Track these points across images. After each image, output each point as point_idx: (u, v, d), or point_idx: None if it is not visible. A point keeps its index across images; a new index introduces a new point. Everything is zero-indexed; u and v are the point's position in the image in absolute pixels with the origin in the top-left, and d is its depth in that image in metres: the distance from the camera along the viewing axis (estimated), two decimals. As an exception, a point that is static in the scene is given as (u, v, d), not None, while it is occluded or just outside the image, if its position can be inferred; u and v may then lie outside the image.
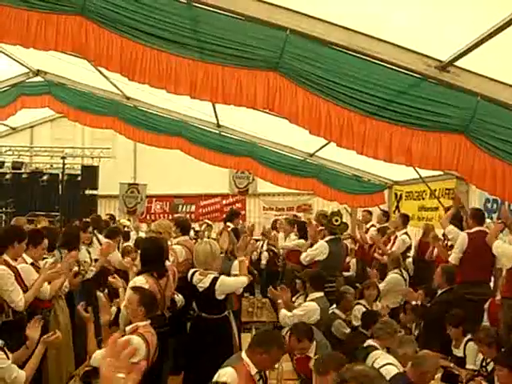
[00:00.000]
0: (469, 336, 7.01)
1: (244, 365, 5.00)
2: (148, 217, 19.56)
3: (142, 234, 14.13)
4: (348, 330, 7.88)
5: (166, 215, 19.58)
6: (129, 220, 16.78)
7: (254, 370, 5.00)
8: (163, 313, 6.55)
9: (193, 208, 20.38)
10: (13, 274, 5.88)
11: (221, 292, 6.70)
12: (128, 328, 5.47)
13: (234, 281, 6.97)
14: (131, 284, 6.22)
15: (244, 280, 7.02)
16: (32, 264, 6.49)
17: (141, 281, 6.21)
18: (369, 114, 6.11)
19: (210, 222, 16.14)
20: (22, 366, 5.20)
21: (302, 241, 11.08)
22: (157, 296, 6.20)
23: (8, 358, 5.05)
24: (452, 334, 7.08)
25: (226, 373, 4.87)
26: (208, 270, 6.78)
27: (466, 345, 7.02)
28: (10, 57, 13.42)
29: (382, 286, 9.13)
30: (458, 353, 7.03)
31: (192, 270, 6.99)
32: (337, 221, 9.27)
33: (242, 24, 6.15)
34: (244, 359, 5.05)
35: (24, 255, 6.42)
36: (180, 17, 6.28)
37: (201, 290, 6.76)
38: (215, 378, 4.88)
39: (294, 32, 5.93)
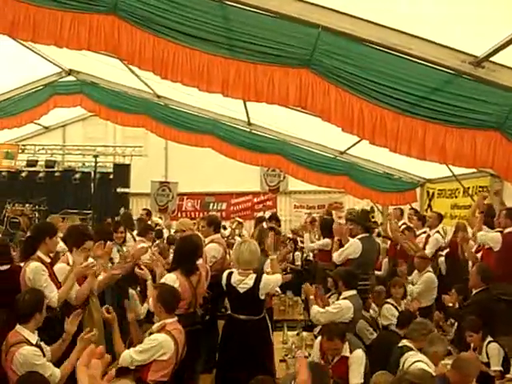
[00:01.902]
0: (489, 338, 6.91)
1: None
2: (179, 215, 19.62)
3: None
4: (371, 331, 7.83)
5: (197, 213, 19.64)
6: (160, 218, 16.84)
7: None
8: (195, 310, 6.56)
9: (224, 206, 20.37)
10: (46, 271, 5.93)
11: (264, 291, 6.57)
12: (155, 326, 5.50)
13: (275, 279, 6.83)
14: (162, 280, 6.25)
15: (280, 278, 6.96)
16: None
17: (171, 278, 6.23)
18: (402, 112, 6.05)
19: (240, 220, 16.18)
20: (57, 362, 5.25)
21: (327, 240, 11.01)
22: (185, 294, 6.22)
23: (44, 356, 5.10)
24: (473, 340, 6.93)
25: None
26: (248, 270, 6.65)
27: (487, 348, 6.91)
28: (42, 57, 13.56)
29: (418, 285, 9.07)
30: (482, 359, 6.90)
31: (228, 271, 6.89)
32: (373, 217, 9.20)
33: (274, 21, 6.13)
34: None
35: (68, 254, 6.44)
36: (212, 15, 6.29)
37: (242, 290, 6.58)
38: None
39: (326, 29, 5.89)
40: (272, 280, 6.71)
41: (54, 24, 6.48)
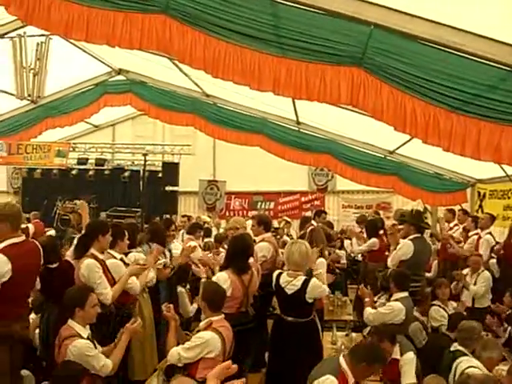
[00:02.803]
0: None
1: (343, 373, 4.89)
2: (227, 213, 19.71)
3: (222, 231, 14.26)
4: (424, 334, 7.71)
5: (245, 212, 19.69)
6: (209, 217, 16.92)
7: (351, 380, 4.89)
8: (247, 310, 6.55)
9: (272, 205, 20.34)
10: (100, 268, 6.01)
11: (311, 296, 6.46)
12: (202, 323, 5.52)
13: (323, 289, 6.69)
14: (213, 279, 6.26)
15: (326, 290, 6.89)
16: (120, 259, 6.61)
17: (223, 276, 6.24)
18: (455, 110, 5.91)
19: (288, 219, 16.11)
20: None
21: (374, 239, 10.92)
22: (237, 292, 6.22)
23: (95, 347, 5.18)
24: None
25: (326, 381, 4.79)
26: (298, 271, 6.58)
27: None
28: (93, 56, 13.77)
29: (480, 284, 8.95)
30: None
31: (277, 271, 6.83)
32: (426, 218, 9.06)
33: (325, 19, 6.06)
34: (343, 368, 4.94)
35: (111, 251, 6.53)
36: (262, 13, 6.26)
37: (289, 292, 6.49)
38: None
39: (378, 26, 5.79)
40: (321, 286, 6.62)
41: (107, 24, 6.56)
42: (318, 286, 6.51)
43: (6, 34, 11.67)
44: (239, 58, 6.27)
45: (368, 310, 7.19)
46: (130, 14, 6.58)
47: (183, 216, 16.04)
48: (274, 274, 6.73)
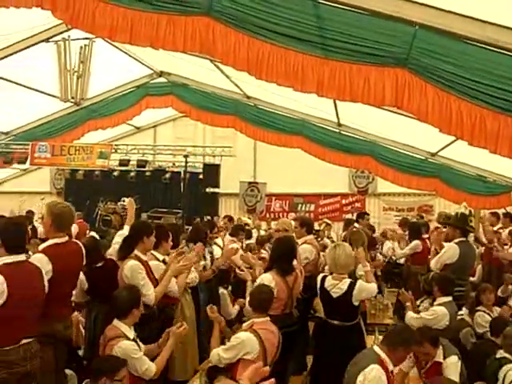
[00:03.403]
0: None
1: (382, 361, 4.87)
2: (267, 215, 19.70)
3: (263, 232, 14.26)
4: (474, 339, 7.57)
5: (285, 214, 19.62)
6: (249, 218, 16.92)
7: (391, 367, 4.87)
8: (291, 312, 6.51)
9: (312, 207, 20.25)
10: (144, 269, 6.03)
11: (357, 298, 6.43)
12: (245, 324, 5.53)
13: (371, 287, 6.68)
14: (258, 281, 6.24)
15: (375, 288, 6.79)
16: (163, 261, 6.63)
17: (267, 278, 6.22)
18: (503, 111, 5.76)
19: (329, 222, 16.04)
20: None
21: (416, 241, 10.82)
22: (281, 294, 6.20)
23: (140, 350, 5.21)
24: None
25: (372, 371, 4.76)
26: (342, 274, 6.55)
27: None
28: (135, 59, 13.91)
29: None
30: None
31: (321, 275, 6.79)
32: (471, 221, 8.92)
33: (369, 20, 5.99)
34: (381, 357, 4.91)
35: (154, 252, 6.56)
36: (305, 14, 6.21)
37: (335, 295, 6.46)
38: (361, 378, 4.78)
39: (423, 26, 5.70)
40: (367, 288, 6.56)
41: (150, 26, 6.58)
42: (365, 288, 6.46)
43: (50, 38, 11.86)
44: (283, 60, 6.23)
45: (410, 315, 7.08)
46: (174, 17, 6.59)
47: (225, 217, 16.07)
48: (319, 278, 6.69)
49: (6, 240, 4.77)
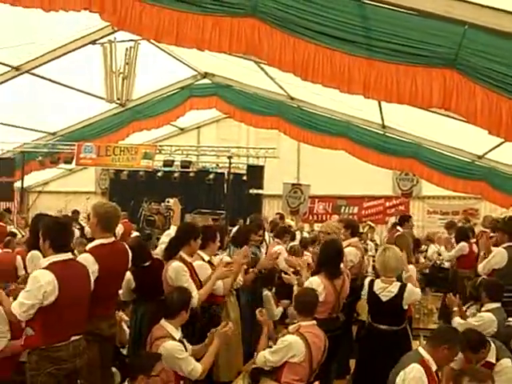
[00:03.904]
0: None
1: (425, 361, 4.79)
2: (310, 217, 19.61)
3: (305, 234, 14.20)
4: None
5: (328, 216, 19.47)
6: (292, 220, 16.88)
7: (434, 367, 4.79)
8: (337, 316, 6.45)
9: (355, 209, 20.10)
10: (188, 271, 6.04)
11: (408, 301, 6.31)
12: (291, 327, 5.49)
13: (418, 290, 6.58)
14: (306, 284, 6.20)
15: (420, 292, 6.70)
16: (208, 261, 6.63)
17: (316, 281, 6.17)
18: (556, 112, 5.65)
19: (372, 224, 15.91)
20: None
21: (463, 243, 10.67)
22: (329, 297, 6.15)
23: (186, 351, 5.22)
24: None
25: (412, 370, 4.70)
26: (391, 277, 6.42)
27: None
28: (179, 60, 14.02)
29: None
30: None
31: (369, 278, 6.71)
32: (520, 225, 8.69)
33: (416, 20, 5.92)
34: (424, 357, 4.83)
35: (201, 252, 6.57)
36: (350, 14, 6.16)
37: (385, 298, 6.32)
38: (401, 377, 4.72)
39: (473, 26, 5.59)
40: (417, 291, 6.46)
41: (196, 28, 6.61)
42: (415, 292, 6.37)
43: (96, 40, 12.03)
44: (328, 61, 6.18)
45: (457, 321, 6.94)
46: (219, 18, 6.60)
47: (277, 213, 16.08)
48: (366, 281, 6.60)
49: (53, 239, 4.82)
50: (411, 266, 7.36)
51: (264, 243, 9.62)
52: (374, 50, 6.12)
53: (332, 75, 6.20)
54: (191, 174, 19.05)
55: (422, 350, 4.94)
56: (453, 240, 11.55)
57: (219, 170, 18.97)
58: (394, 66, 6.03)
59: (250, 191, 18.69)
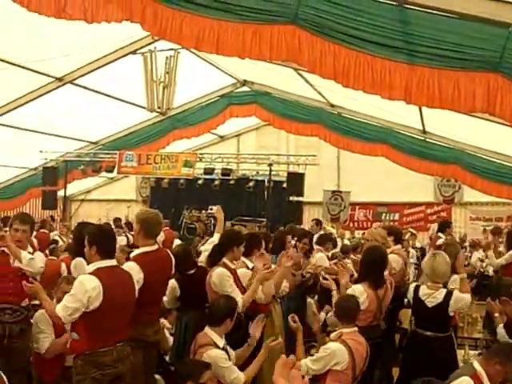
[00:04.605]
0: None
1: (477, 376, 4.70)
2: (351, 224, 19.56)
3: (347, 242, 14.12)
4: None
5: (368, 223, 19.37)
6: (333, 227, 16.81)
7: (487, 382, 4.70)
8: (379, 324, 6.39)
9: (396, 216, 19.95)
10: (231, 277, 6.05)
11: (454, 308, 6.21)
12: (333, 334, 5.44)
13: (467, 297, 6.38)
14: (349, 291, 6.16)
15: (470, 299, 6.57)
16: (252, 268, 6.63)
17: (359, 290, 6.12)
18: None
19: (413, 231, 15.75)
20: (242, 366, 5.36)
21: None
22: (372, 306, 6.09)
23: (229, 359, 5.22)
24: None
25: (462, 383, 4.62)
26: (438, 283, 6.35)
27: None
28: (218, 68, 14.09)
29: None
30: None
31: (414, 284, 6.62)
32: None
33: (458, 23, 5.84)
34: (478, 371, 4.74)
35: (245, 259, 6.57)
36: (390, 19, 6.11)
37: (431, 304, 6.25)
38: None
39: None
40: (464, 297, 6.34)
41: (237, 36, 6.61)
42: (462, 298, 6.26)
43: (137, 50, 12.17)
44: (369, 67, 6.13)
45: (502, 332, 6.78)
46: (260, 26, 6.59)
47: (313, 220, 16.06)
48: (411, 287, 6.52)
49: (99, 245, 4.89)
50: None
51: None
52: (415, 55, 6.06)
53: (373, 81, 6.15)
54: (231, 182, 19.16)
55: (476, 364, 4.83)
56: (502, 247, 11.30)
57: (259, 178, 19.04)
58: (436, 70, 5.95)
59: (291, 198, 18.62)
